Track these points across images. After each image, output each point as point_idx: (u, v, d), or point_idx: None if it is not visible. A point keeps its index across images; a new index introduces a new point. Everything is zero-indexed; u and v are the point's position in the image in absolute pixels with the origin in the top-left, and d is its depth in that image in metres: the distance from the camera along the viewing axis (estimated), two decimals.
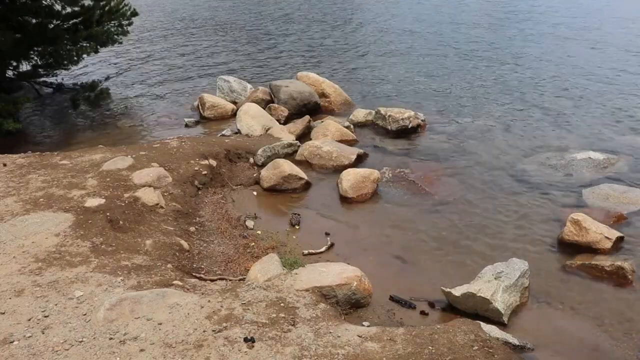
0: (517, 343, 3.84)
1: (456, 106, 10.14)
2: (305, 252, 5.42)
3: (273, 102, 9.71)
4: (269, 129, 8.80)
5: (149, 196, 5.65)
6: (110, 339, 3.44)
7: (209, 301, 3.94)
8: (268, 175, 6.90)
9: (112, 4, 10.32)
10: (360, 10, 22.09)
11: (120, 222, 5.12)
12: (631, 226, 5.89)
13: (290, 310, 3.93)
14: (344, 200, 6.64)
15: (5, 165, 6.32)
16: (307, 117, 9.08)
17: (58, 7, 9.71)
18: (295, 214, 6.22)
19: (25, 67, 10.48)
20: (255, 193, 6.84)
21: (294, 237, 5.78)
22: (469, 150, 8.14)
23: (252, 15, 21.04)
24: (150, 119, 10.08)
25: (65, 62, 10.22)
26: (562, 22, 18.11)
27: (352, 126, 9.01)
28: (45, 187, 5.64)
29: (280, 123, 9.10)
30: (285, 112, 9.37)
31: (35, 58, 10.08)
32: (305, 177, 6.93)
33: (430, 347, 3.57)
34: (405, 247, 5.63)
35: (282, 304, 3.99)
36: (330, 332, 3.70)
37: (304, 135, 8.69)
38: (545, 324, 4.43)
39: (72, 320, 3.60)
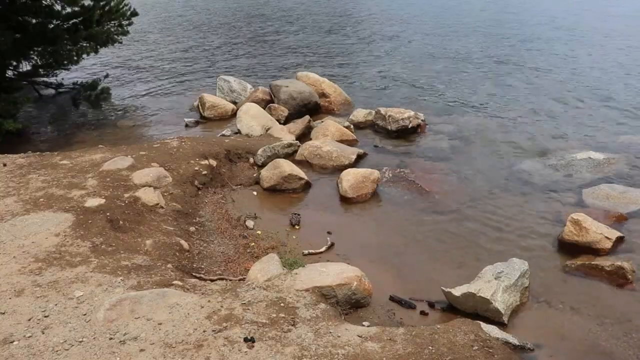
0: (517, 343, 3.84)
1: (456, 106, 10.15)
2: (305, 252, 5.42)
3: (273, 102, 9.72)
4: (269, 129, 8.81)
5: (149, 196, 5.65)
6: (110, 339, 3.44)
7: (209, 301, 3.93)
8: (268, 175, 6.90)
9: (112, 4, 10.31)
10: (361, 10, 22.08)
11: (121, 222, 5.12)
12: (631, 226, 5.88)
13: (290, 310, 3.93)
14: (344, 200, 6.64)
15: (5, 165, 6.32)
16: (307, 117, 9.09)
17: (58, 7, 9.71)
18: (295, 213, 6.22)
19: (25, 67, 10.48)
20: (255, 193, 6.84)
21: (294, 237, 5.78)
22: (469, 150, 8.14)
23: (252, 15, 21.04)
24: (150, 119, 10.09)
25: (65, 62, 10.22)
26: (562, 23, 18.11)
27: (352, 126, 9.01)
28: (45, 187, 5.63)
29: (280, 123, 9.10)
30: (285, 112, 9.37)
31: (35, 58, 10.08)
32: (305, 177, 6.93)
33: (430, 347, 3.57)
34: (405, 247, 5.63)
35: (282, 304, 3.99)
36: (330, 332, 3.70)
37: (304, 135, 8.70)
38: (545, 324, 4.43)
39: (72, 320, 3.60)
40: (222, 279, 4.68)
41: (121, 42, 11.38)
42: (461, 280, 4.75)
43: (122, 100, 11.19)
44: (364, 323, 4.17)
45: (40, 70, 10.60)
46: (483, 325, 3.91)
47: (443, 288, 4.62)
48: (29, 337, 3.42)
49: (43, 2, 9.55)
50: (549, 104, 10.09)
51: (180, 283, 4.24)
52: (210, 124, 9.69)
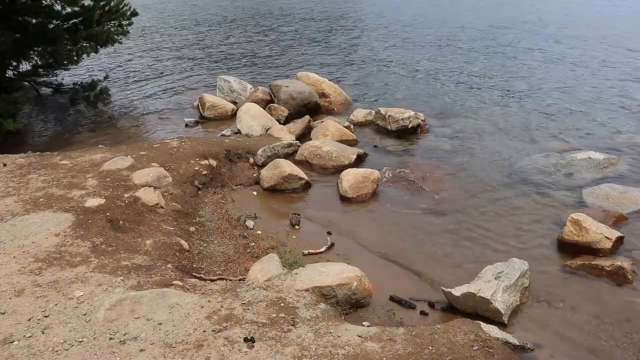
0: (517, 343, 3.84)
1: (456, 106, 10.15)
2: (305, 252, 5.42)
3: (273, 102, 9.72)
4: (269, 129, 8.81)
5: (149, 196, 5.65)
6: (110, 339, 3.44)
7: (209, 301, 3.93)
8: (268, 175, 6.90)
9: (112, 4, 10.33)
10: (361, 10, 22.09)
11: (120, 222, 5.12)
12: (631, 226, 5.88)
13: (290, 310, 3.93)
14: (344, 200, 6.64)
15: (5, 165, 6.32)
16: (307, 117, 9.09)
17: (58, 7, 9.72)
18: (295, 213, 6.22)
19: (25, 67, 10.49)
20: (255, 193, 6.84)
21: (294, 237, 5.78)
22: (469, 150, 8.14)
23: (252, 15, 21.04)
24: (150, 119, 10.09)
25: (65, 62, 10.24)
26: (562, 23, 18.11)
27: (352, 126, 9.01)
28: (45, 187, 5.63)
29: (280, 123, 9.10)
30: (285, 112, 9.37)
31: (35, 58, 10.09)
32: (305, 177, 6.93)
33: (430, 347, 3.57)
34: (405, 247, 5.63)
35: (282, 304, 3.99)
36: (330, 332, 3.70)
37: (304, 135, 8.69)
38: (545, 324, 4.43)
39: (72, 320, 3.60)
40: (222, 279, 4.68)
41: (121, 42, 11.39)
42: (461, 280, 4.75)
43: (122, 100, 11.18)
44: (364, 323, 4.17)
45: (40, 70, 10.61)
46: (483, 325, 3.91)
47: (443, 288, 4.62)
48: (29, 337, 3.42)
49: (43, 2, 9.56)
50: (548, 104, 10.08)
51: (180, 283, 4.24)
52: (210, 124, 9.69)
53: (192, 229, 5.62)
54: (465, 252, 5.54)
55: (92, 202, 5.32)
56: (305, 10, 21.85)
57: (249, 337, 3.51)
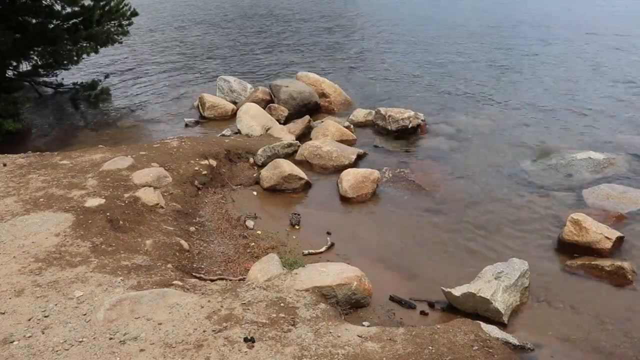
0: (517, 343, 3.84)
1: (456, 106, 10.14)
2: (305, 252, 5.42)
3: (273, 102, 9.72)
4: (269, 129, 8.81)
5: (149, 196, 5.65)
6: (110, 339, 3.44)
7: (209, 301, 3.93)
8: (268, 175, 6.90)
9: (112, 4, 10.33)
10: (361, 10, 22.09)
11: (120, 222, 5.12)
12: (631, 226, 5.88)
13: (290, 310, 3.93)
14: (344, 200, 6.64)
15: (5, 165, 6.32)
16: (307, 117, 9.09)
17: (58, 7, 9.73)
18: (295, 214, 6.22)
19: (25, 67, 10.49)
20: (255, 193, 6.84)
21: (294, 237, 5.78)
22: (469, 150, 8.14)
23: (252, 15, 21.05)
24: (150, 119, 10.09)
25: (65, 62, 10.25)
26: (561, 24, 18.12)
27: (352, 126, 9.02)
28: (45, 187, 5.64)
29: (280, 123, 9.10)
30: (285, 112, 9.38)
31: (35, 58, 10.10)
32: (305, 177, 6.93)
33: (430, 347, 3.57)
34: (405, 247, 5.63)
35: (282, 304, 3.99)
36: (330, 332, 3.70)
37: (304, 135, 8.70)
38: (545, 324, 4.43)
39: (72, 320, 3.60)
40: (222, 279, 4.68)
41: (121, 42, 11.39)
42: (461, 280, 4.75)
43: (122, 100, 11.18)
44: (364, 323, 4.17)
45: (40, 70, 10.63)
46: (483, 325, 3.91)
47: (443, 288, 4.62)
48: (29, 337, 3.42)
49: (43, 2, 9.57)
50: (548, 105, 10.08)
51: (180, 283, 4.24)
52: (210, 124, 9.69)
53: (192, 229, 5.62)
54: (465, 252, 5.54)
55: (92, 202, 5.32)
56: (305, 10, 21.86)
57: (249, 337, 3.51)
